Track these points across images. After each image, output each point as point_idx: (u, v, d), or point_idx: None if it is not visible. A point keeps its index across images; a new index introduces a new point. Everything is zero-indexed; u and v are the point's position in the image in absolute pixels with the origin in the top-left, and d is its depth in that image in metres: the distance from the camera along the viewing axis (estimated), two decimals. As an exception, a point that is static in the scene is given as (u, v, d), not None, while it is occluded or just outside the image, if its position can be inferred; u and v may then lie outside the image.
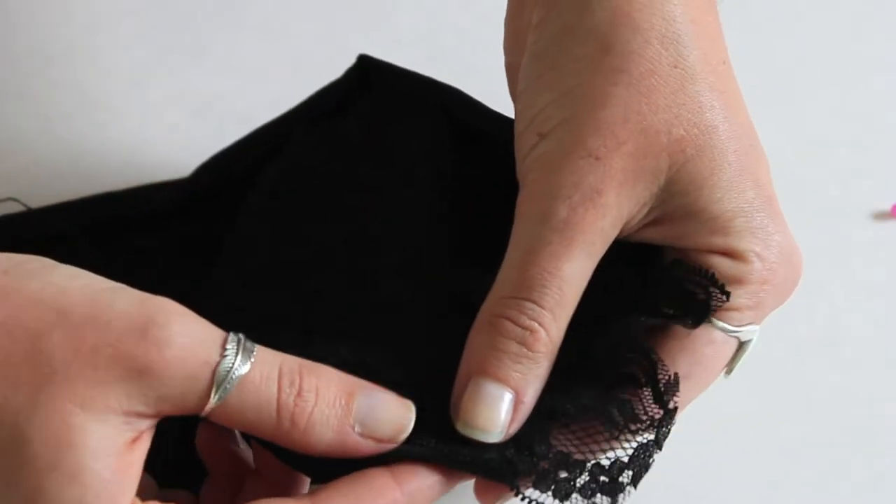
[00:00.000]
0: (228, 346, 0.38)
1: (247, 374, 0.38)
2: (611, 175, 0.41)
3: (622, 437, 0.42)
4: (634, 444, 0.42)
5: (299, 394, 0.39)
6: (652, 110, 0.41)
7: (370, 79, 0.51)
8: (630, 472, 0.41)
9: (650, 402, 0.42)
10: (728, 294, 0.42)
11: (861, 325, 0.54)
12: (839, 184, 0.58)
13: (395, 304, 0.45)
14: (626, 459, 0.41)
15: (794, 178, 0.57)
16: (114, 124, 0.58)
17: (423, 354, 0.44)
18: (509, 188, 0.43)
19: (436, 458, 0.41)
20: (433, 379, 0.42)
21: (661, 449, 0.41)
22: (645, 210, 0.42)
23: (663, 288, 0.43)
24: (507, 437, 0.41)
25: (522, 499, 0.40)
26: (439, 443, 0.41)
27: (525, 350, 0.41)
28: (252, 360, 0.38)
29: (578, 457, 0.41)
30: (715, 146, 0.41)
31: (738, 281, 0.42)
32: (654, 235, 0.43)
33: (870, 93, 0.60)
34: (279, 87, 0.60)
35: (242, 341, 0.39)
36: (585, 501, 0.41)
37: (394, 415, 0.40)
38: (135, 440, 0.38)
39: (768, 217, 0.42)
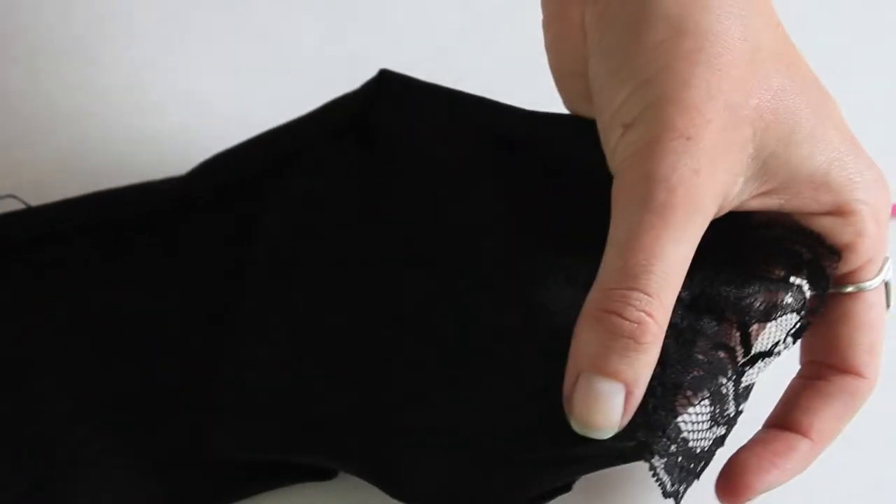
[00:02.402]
0: None
1: None
2: (704, 153, 0.41)
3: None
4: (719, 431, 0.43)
5: None
6: (731, 85, 0.42)
7: (392, 91, 0.50)
8: (703, 464, 0.42)
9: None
10: (837, 253, 0.43)
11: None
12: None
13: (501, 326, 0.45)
14: (704, 450, 0.42)
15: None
16: (114, 124, 0.58)
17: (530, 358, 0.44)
18: (569, 184, 0.43)
19: (580, 458, 0.41)
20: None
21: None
22: (740, 182, 0.42)
23: (761, 249, 0.44)
24: (621, 428, 0.41)
25: (655, 477, 0.41)
26: (575, 440, 0.41)
27: (633, 343, 0.41)
28: None
29: (691, 444, 0.42)
30: (788, 106, 0.42)
31: (859, 234, 0.43)
32: (758, 206, 0.43)
33: (870, 93, 0.60)
34: (279, 87, 0.59)
35: None
36: (685, 487, 0.41)
37: None
38: None
39: (855, 158, 0.44)
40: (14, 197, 0.52)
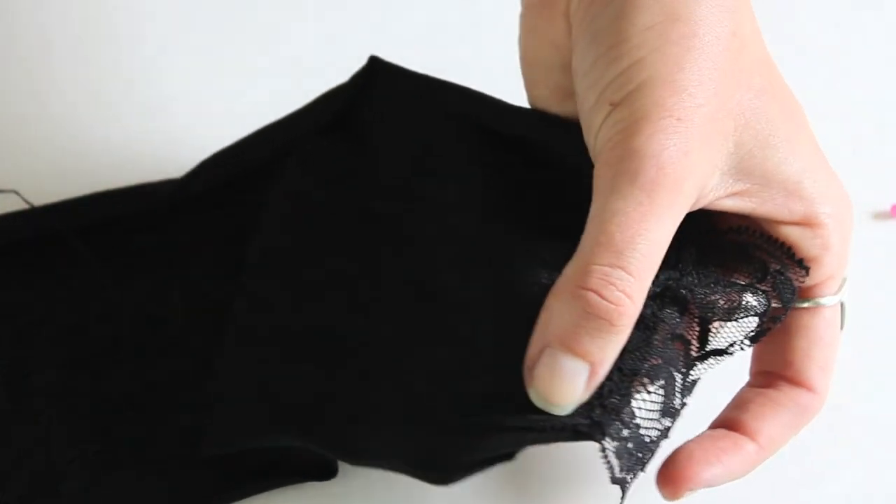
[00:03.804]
0: None
1: None
2: (693, 137, 0.41)
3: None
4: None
5: None
6: (721, 76, 0.42)
7: (381, 82, 0.50)
8: (650, 454, 0.42)
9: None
10: (805, 268, 0.43)
11: (861, 325, 0.54)
12: (839, 184, 0.58)
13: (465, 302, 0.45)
14: (652, 440, 0.42)
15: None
16: (114, 124, 0.58)
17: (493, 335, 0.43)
18: (549, 176, 0.43)
19: (530, 428, 0.40)
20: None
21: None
22: (717, 176, 0.42)
23: (728, 254, 0.44)
24: (578, 405, 0.41)
25: (604, 460, 0.40)
26: (526, 410, 0.41)
27: (608, 325, 0.40)
28: None
29: (641, 431, 0.41)
30: (767, 109, 0.42)
31: (825, 248, 0.43)
32: (730, 207, 0.43)
33: (870, 93, 0.60)
34: (279, 87, 0.59)
35: None
36: (631, 476, 0.41)
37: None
38: None
39: (825, 171, 0.44)
40: (16, 193, 0.52)
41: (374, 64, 0.50)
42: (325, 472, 0.47)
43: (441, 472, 0.42)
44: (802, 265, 0.43)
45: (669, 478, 0.44)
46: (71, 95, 0.59)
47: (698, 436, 0.45)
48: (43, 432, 0.48)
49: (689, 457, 0.44)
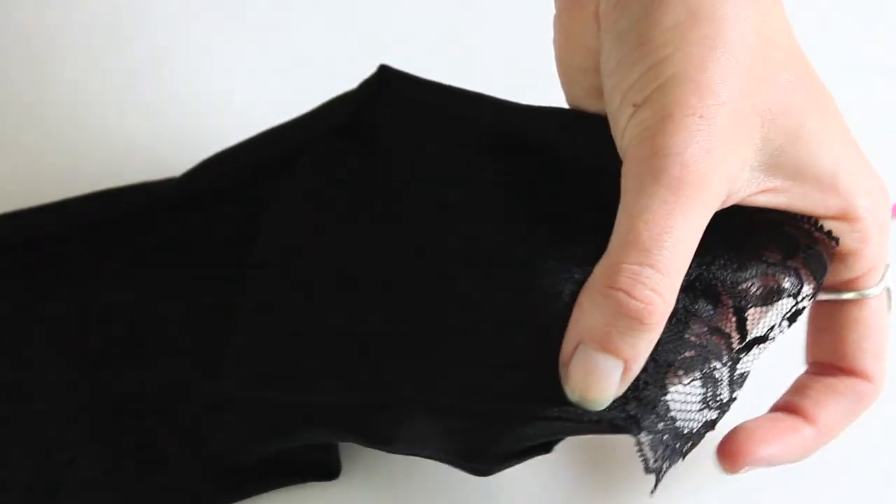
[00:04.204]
0: None
1: None
2: (717, 134, 0.41)
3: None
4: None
5: None
6: (745, 74, 0.42)
7: (391, 88, 0.50)
8: (689, 444, 0.42)
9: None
10: (835, 239, 0.43)
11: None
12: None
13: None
14: (693, 432, 0.42)
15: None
16: (113, 124, 0.58)
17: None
18: (568, 177, 0.43)
19: (567, 418, 0.41)
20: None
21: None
22: (747, 172, 0.42)
23: (756, 234, 0.44)
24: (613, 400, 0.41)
25: (639, 452, 0.41)
26: (562, 403, 0.41)
27: (638, 324, 0.40)
28: None
29: (678, 424, 0.42)
30: (796, 103, 0.42)
31: (863, 241, 0.44)
32: (763, 202, 0.43)
33: (870, 93, 0.60)
34: (279, 87, 0.59)
35: None
36: (668, 465, 0.42)
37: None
38: None
39: (860, 163, 0.44)
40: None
41: (384, 73, 0.51)
42: (327, 473, 0.47)
43: (482, 462, 0.43)
44: (832, 237, 0.43)
45: (729, 452, 0.45)
46: (71, 95, 0.59)
47: (758, 416, 0.46)
48: (43, 433, 0.48)
49: (749, 435, 0.45)
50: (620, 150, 0.43)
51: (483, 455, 0.43)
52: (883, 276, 0.45)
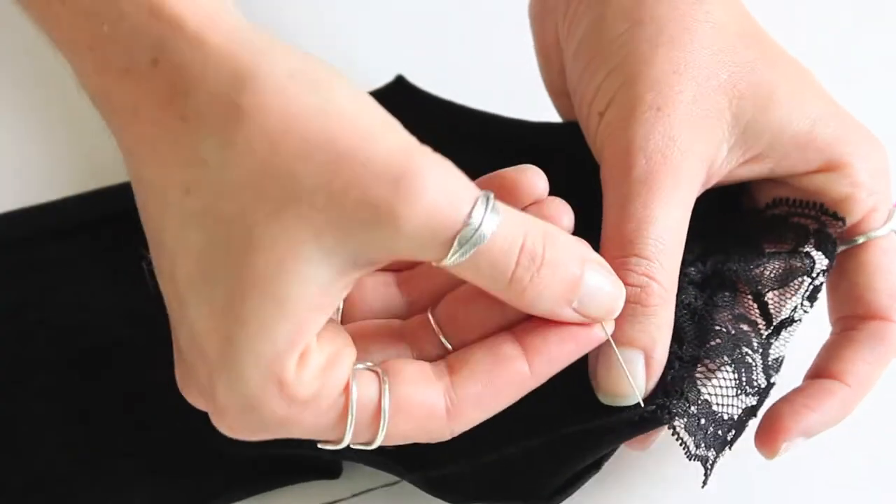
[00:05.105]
0: (476, 209, 0.36)
1: (487, 244, 0.37)
2: (677, 121, 0.43)
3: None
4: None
5: (538, 271, 0.38)
6: (697, 62, 0.44)
7: (402, 103, 0.50)
8: (733, 432, 0.43)
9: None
10: (841, 218, 0.44)
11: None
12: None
13: None
14: (734, 418, 0.43)
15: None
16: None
17: None
18: (566, 185, 0.44)
19: (603, 429, 0.42)
20: None
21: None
22: (724, 150, 0.44)
23: (769, 229, 0.45)
24: (647, 393, 0.42)
25: (678, 439, 0.42)
26: (593, 405, 0.42)
27: (640, 308, 0.41)
28: (496, 228, 0.37)
29: (715, 408, 0.42)
30: (762, 77, 0.44)
31: (854, 185, 0.45)
32: (748, 174, 0.45)
33: (870, 93, 0.60)
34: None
35: (491, 202, 0.37)
36: (714, 453, 0.42)
37: (609, 296, 0.40)
38: (348, 283, 0.38)
39: (840, 117, 0.45)
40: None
41: (400, 83, 0.52)
42: (329, 472, 0.47)
43: (543, 499, 0.44)
44: (837, 216, 0.45)
45: (764, 435, 0.45)
46: (71, 94, 0.59)
47: (791, 391, 0.46)
48: (42, 433, 0.48)
49: (778, 412, 0.45)
50: (597, 156, 0.45)
51: (542, 492, 0.44)
52: (889, 216, 0.46)
